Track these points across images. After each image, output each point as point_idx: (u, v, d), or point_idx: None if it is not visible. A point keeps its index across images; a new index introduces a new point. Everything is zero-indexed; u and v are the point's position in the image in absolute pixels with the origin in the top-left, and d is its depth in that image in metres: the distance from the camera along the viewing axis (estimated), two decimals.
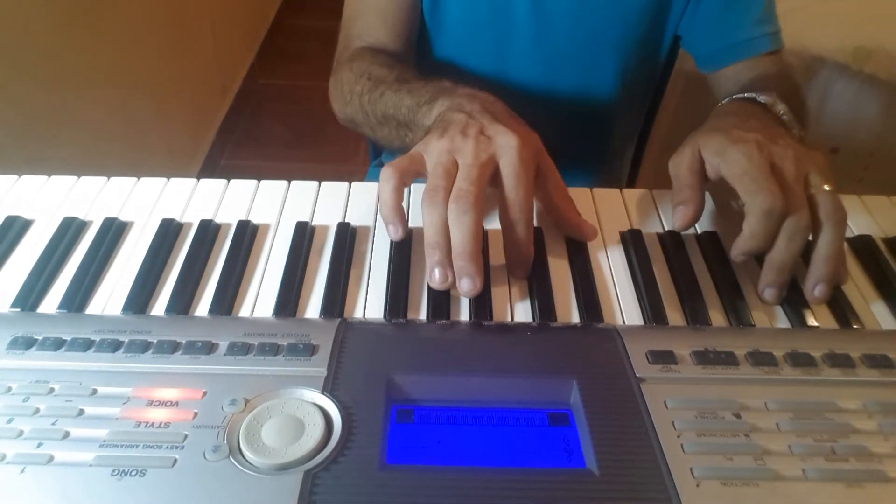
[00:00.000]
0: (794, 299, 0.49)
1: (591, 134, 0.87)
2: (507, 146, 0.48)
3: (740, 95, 0.61)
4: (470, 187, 0.46)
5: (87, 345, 0.41)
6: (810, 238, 0.48)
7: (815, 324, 0.47)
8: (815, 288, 0.48)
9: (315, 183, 0.59)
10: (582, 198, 0.58)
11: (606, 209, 0.58)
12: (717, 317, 0.48)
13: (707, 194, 0.58)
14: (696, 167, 0.52)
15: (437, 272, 0.46)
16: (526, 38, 0.77)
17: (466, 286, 0.45)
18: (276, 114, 2.24)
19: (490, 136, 0.49)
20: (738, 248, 0.48)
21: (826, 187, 0.48)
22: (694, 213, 0.51)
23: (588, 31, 0.76)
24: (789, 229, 0.47)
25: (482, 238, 0.47)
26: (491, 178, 0.48)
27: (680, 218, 0.51)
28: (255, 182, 0.59)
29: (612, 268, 0.52)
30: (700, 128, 0.56)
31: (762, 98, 0.60)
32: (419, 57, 0.82)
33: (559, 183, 0.53)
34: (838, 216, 0.48)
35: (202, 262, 0.51)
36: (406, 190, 0.56)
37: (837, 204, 0.48)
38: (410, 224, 0.53)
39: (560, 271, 0.51)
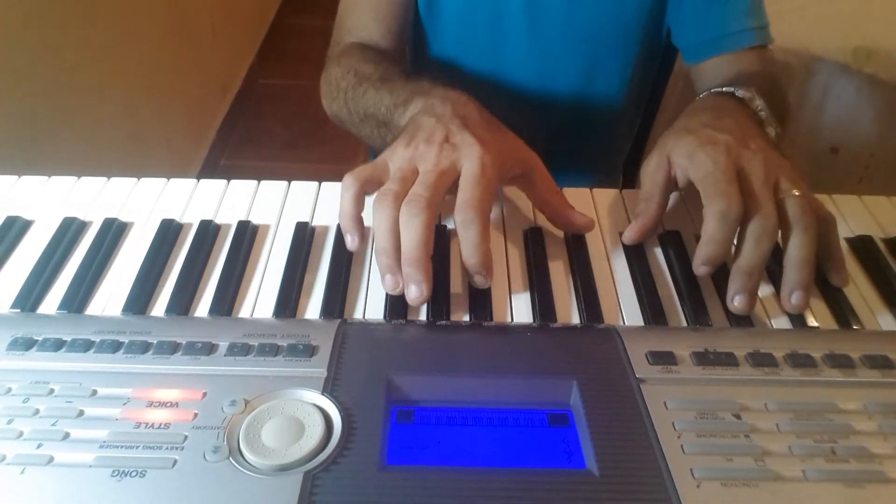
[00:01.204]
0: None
1: (589, 132, 0.87)
2: (469, 154, 0.47)
3: (718, 89, 0.60)
4: (424, 192, 0.45)
5: (87, 345, 0.41)
6: (782, 245, 0.47)
7: (815, 324, 0.47)
8: (791, 296, 0.46)
9: (315, 183, 0.59)
10: (582, 198, 0.58)
11: (606, 209, 0.58)
12: (717, 317, 0.48)
13: None
14: (659, 177, 0.52)
15: (388, 279, 0.45)
16: (520, 37, 0.77)
17: (413, 293, 0.44)
18: (276, 114, 2.24)
19: (455, 144, 0.48)
20: (698, 257, 0.47)
21: (795, 192, 0.47)
22: (644, 227, 0.51)
23: (581, 28, 0.76)
24: (755, 231, 0.46)
25: (433, 243, 0.45)
26: (452, 185, 0.47)
27: (628, 232, 0.52)
28: (255, 182, 0.59)
29: (613, 268, 0.52)
30: (672, 126, 0.55)
31: (740, 93, 0.58)
32: (415, 55, 0.82)
33: (548, 180, 0.52)
34: (807, 220, 0.46)
35: (202, 262, 0.51)
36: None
37: (806, 208, 0.47)
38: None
39: (560, 271, 0.51)
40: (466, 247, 0.45)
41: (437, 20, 0.78)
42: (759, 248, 0.46)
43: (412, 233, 0.44)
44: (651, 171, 0.52)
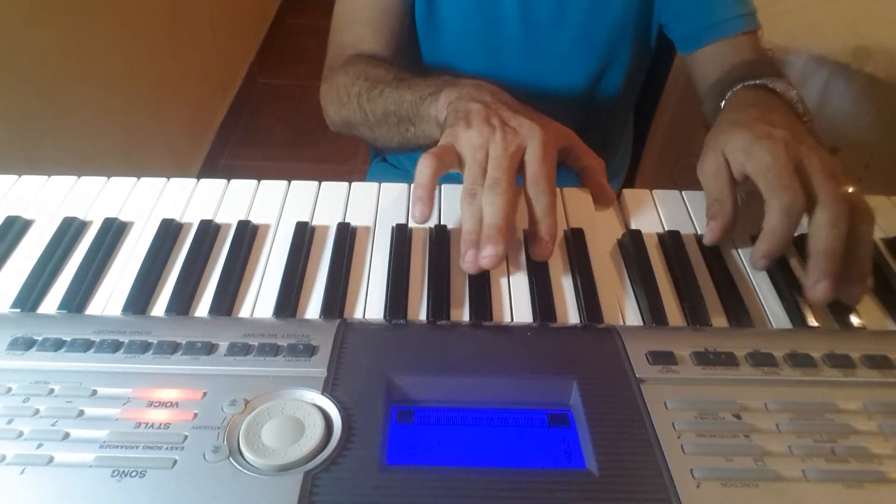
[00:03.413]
0: (793, 299, 0.49)
1: (586, 131, 0.87)
2: (531, 136, 0.51)
3: (752, 82, 0.61)
4: (502, 175, 0.49)
5: (87, 345, 0.41)
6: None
7: (815, 324, 0.47)
8: (853, 287, 0.47)
9: (315, 183, 0.59)
10: (581, 198, 0.58)
11: (606, 209, 0.58)
12: (717, 317, 0.48)
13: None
14: (722, 176, 0.52)
15: (470, 253, 0.48)
16: (515, 41, 0.78)
17: (486, 251, 0.47)
18: (276, 114, 2.24)
19: (514, 128, 0.51)
20: (758, 250, 0.48)
21: (850, 189, 0.49)
22: (722, 228, 0.51)
23: (573, 28, 0.77)
24: (830, 215, 0.46)
25: (513, 220, 0.49)
26: (518, 166, 0.51)
27: (708, 234, 0.52)
28: (255, 182, 0.59)
29: (613, 268, 0.52)
30: (720, 121, 0.56)
31: (774, 85, 0.59)
32: (413, 65, 0.83)
33: (584, 147, 0.58)
34: (870, 216, 0.48)
35: (202, 262, 0.51)
36: (404, 190, 0.56)
37: (866, 204, 0.48)
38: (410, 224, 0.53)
39: (560, 271, 0.51)
40: (539, 213, 0.50)
41: (436, 29, 0.79)
42: (836, 229, 0.46)
43: (496, 208, 0.48)
44: (713, 173, 0.52)
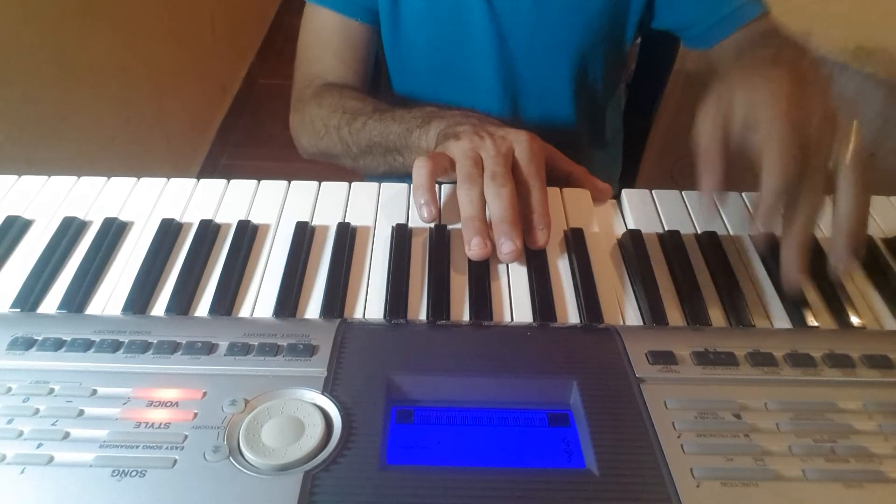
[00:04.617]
0: (793, 299, 0.49)
1: (566, 137, 0.87)
2: (519, 140, 0.54)
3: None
4: (502, 169, 0.51)
5: (87, 345, 0.41)
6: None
7: (815, 324, 0.47)
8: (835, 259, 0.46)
9: (315, 183, 0.59)
10: (582, 198, 0.58)
11: (605, 209, 0.58)
12: (717, 317, 0.48)
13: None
14: (717, 133, 0.48)
15: (475, 240, 0.49)
16: (487, 57, 0.77)
17: (507, 248, 0.48)
18: (276, 114, 2.23)
19: (503, 136, 0.54)
20: (759, 215, 0.45)
21: (850, 150, 0.46)
22: (713, 187, 0.47)
23: (547, 41, 0.77)
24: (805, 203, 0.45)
25: (518, 211, 0.50)
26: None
27: (702, 196, 0.48)
28: (255, 182, 0.59)
29: (613, 268, 0.52)
30: (735, 65, 0.57)
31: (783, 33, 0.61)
32: (383, 90, 0.83)
33: (565, 158, 0.60)
34: (861, 183, 0.45)
35: (202, 262, 0.51)
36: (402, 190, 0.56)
37: (858, 177, 0.46)
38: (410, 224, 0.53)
39: (560, 271, 0.51)
40: (534, 203, 0.52)
41: (403, 50, 0.79)
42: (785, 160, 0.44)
43: (502, 200, 0.49)
44: (709, 128, 0.48)
